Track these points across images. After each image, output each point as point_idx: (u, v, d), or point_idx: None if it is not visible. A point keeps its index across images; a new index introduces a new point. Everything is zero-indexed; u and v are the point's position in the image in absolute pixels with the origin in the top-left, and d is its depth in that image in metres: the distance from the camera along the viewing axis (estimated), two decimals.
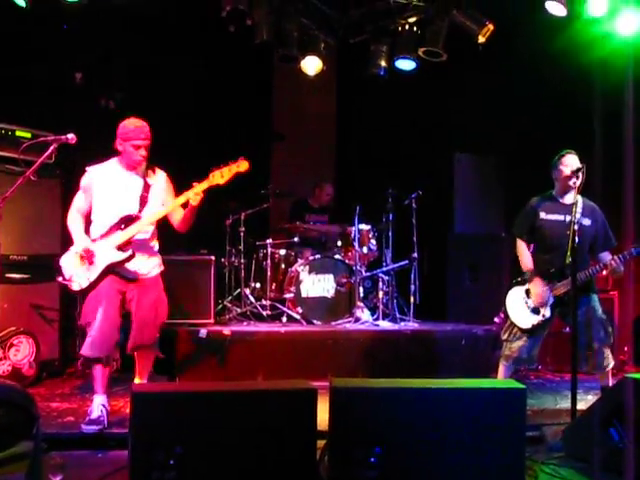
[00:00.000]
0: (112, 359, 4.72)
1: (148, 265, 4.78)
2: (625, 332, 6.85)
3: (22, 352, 5.51)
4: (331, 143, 9.39)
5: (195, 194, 4.57)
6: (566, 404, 4.76)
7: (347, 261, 7.10)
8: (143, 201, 4.69)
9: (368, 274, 7.29)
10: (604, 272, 5.02)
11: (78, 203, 4.80)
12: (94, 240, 4.63)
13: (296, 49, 7.23)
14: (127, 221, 4.62)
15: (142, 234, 4.71)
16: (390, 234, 7.32)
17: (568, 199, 5.02)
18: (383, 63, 7.27)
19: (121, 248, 4.58)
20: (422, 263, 7.35)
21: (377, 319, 6.98)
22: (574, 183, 4.75)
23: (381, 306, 7.05)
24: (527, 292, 5.04)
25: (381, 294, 7.11)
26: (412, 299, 7.11)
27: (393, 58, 7.19)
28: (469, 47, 6.69)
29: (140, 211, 4.67)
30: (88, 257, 4.57)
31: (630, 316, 6.93)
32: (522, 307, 5.04)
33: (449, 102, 8.02)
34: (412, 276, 7.13)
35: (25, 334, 5.56)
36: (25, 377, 5.50)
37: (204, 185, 4.62)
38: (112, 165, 4.79)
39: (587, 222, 4.96)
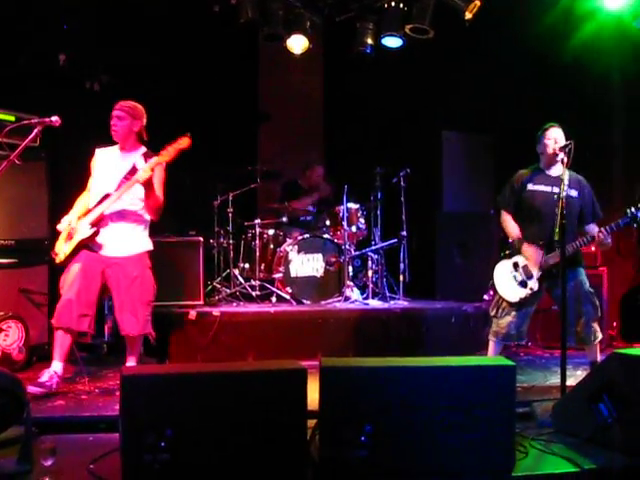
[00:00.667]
0: (75, 330, 4.79)
1: (128, 244, 4.88)
2: (614, 308, 6.90)
3: (11, 337, 5.48)
4: (318, 122, 9.35)
5: (143, 171, 4.62)
6: (556, 380, 4.79)
7: (336, 240, 7.10)
8: (123, 182, 4.79)
9: (357, 253, 7.30)
10: (592, 245, 5.04)
11: (89, 183, 5.03)
12: (79, 217, 4.84)
13: (281, 28, 7.19)
14: (103, 199, 4.80)
15: (121, 212, 4.84)
16: (379, 213, 7.33)
17: (554, 171, 5.05)
18: (370, 41, 7.23)
19: (93, 224, 4.77)
20: (411, 241, 7.36)
21: (367, 298, 6.99)
22: (561, 159, 4.74)
23: (370, 285, 7.06)
24: (515, 265, 5.05)
25: (370, 273, 7.12)
26: (401, 277, 7.13)
27: (380, 35, 7.14)
28: (456, 23, 6.66)
29: (116, 189, 4.78)
30: (70, 232, 4.82)
31: (618, 291, 6.98)
32: (510, 280, 5.05)
33: (437, 80, 7.99)
34: (401, 254, 7.14)
35: (14, 319, 5.53)
36: (15, 362, 5.47)
37: (152, 163, 4.69)
38: (113, 149, 5.02)
39: (574, 194, 4.98)
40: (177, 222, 7.36)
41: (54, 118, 4.46)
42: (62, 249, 4.83)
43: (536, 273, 4.95)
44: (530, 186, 5.09)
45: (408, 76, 8.05)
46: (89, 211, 4.83)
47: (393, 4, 6.95)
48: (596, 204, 5.08)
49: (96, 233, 4.78)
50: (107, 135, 4.93)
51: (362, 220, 7.29)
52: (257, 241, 7.13)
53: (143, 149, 4.99)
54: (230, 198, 7.29)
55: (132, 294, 4.81)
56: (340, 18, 7.50)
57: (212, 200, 7.37)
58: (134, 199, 4.84)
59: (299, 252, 6.95)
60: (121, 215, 4.85)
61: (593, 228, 4.99)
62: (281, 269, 6.89)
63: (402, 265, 7.13)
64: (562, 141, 4.91)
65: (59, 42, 6.86)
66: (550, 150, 4.97)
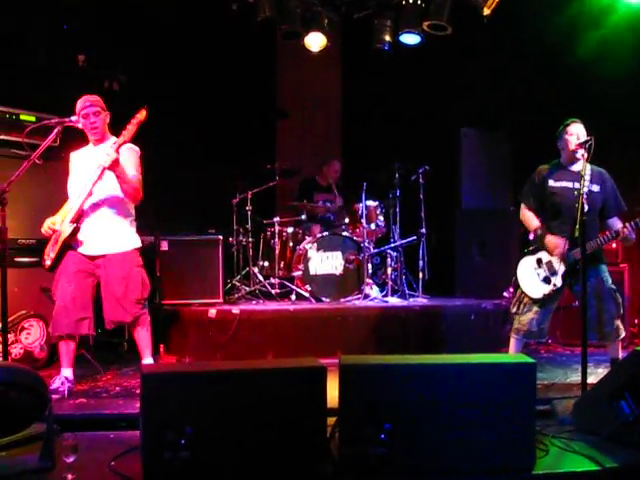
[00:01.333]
0: (76, 335, 4.78)
1: (113, 241, 4.84)
2: (635, 304, 6.84)
3: (33, 335, 5.54)
4: (337, 119, 9.35)
5: (106, 155, 4.55)
6: (576, 378, 4.76)
7: (355, 238, 7.09)
8: (100, 176, 4.71)
9: (376, 250, 7.29)
10: (616, 240, 4.97)
11: (68, 185, 4.99)
12: (63, 220, 4.80)
13: (299, 25, 7.19)
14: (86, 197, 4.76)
15: (102, 209, 4.80)
16: (398, 210, 7.30)
17: (576, 167, 4.98)
18: (387, 38, 7.23)
19: (73, 222, 4.74)
20: (430, 239, 7.33)
21: (386, 295, 6.98)
22: (582, 155, 4.70)
23: (390, 282, 7.05)
24: (538, 261, 5.02)
25: (389, 270, 7.11)
26: (421, 275, 7.10)
27: (397, 33, 7.13)
28: (475, 20, 6.63)
29: (93, 185, 4.72)
30: (55, 237, 4.79)
31: None
32: (533, 276, 5.02)
33: (455, 76, 7.95)
34: (420, 252, 7.12)
35: (35, 317, 5.59)
36: (37, 360, 5.53)
37: (114, 145, 4.62)
38: (86, 148, 4.96)
39: (596, 188, 4.92)
40: (196, 220, 7.41)
41: (74, 118, 4.50)
42: (48, 254, 4.82)
43: (560, 269, 4.92)
44: (551, 182, 5.05)
45: (426, 73, 8.03)
46: (70, 210, 4.78)
47: (411, 1, 6.94)
48: (619, 197, 5.01)
49: (76, 229, 4.73)
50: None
51: (381, 217, 7.28)
52: (276, 239, 7.13)
53: (114, 138, 4.85)
54: (249, 196, 7.30)
55: (117, 294, 4.77)
56: (358, 15, 7.49)
57: (231, 198, 7.38)
58: (112, 193, 4.78)
59: (318, 250, 6.95)
60: (101, 211, 4.80)
61: (616, 222, 4.93)
62: (300, 267, 6.90)
63: (421, 262, 7.11)
64: (583, 137, 4.86)
65: (78, 42, 6.89)
66: (572, 146, 4.92)
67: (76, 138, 5.54)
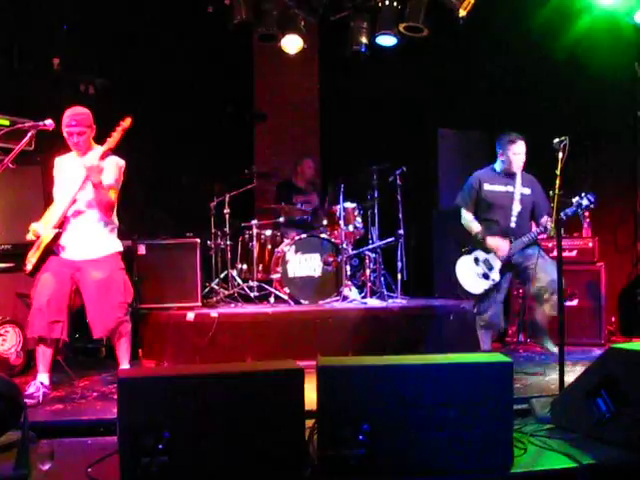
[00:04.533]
0: (49, 339, 4.74)
1: (94, 246, 4.86)
2: (612, 303, 6.90)
3: (9, 341, 5.48)
4: (314, 121, 9.34)
5: (88, 160, 4.61)
6: (554, 376, 4.78)
7: (333, 240, 7.08)
8: (82, 184, 4.74)
9: (355, 252, 7.28)
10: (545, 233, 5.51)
11: (53, 191, 5.02)
12: (45, 226, 4.82)
13: (276, 28, 7.17)
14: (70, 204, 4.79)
15: (85, 215, 4.83)
16: (376, 211, 7.32)
17: (509, 173, 5.61)
18: (364, 40, 7.23)
19: (56, 227, 4.77)
20: (408, 239, 7.35)
21: (365, 297, 6.98)
22: (518, 168, 5.50)
23: (369, 284, 7.05)
24: (475, 260, 5.54)
25: (368, 272, 7.12)
26: (399, 276, 7.12)
27: (374, 34, 7.14)
28: (450, 21, 6.66)
29: (76, 193, 4.76)
30: (38, 243, 4.80)
31: (617, 287, 6.99)
32: (472, 274, 5.56)
33: (432, 77, 7.99)
34: (399, 253, 7.13)
35: (11, 323, 5.53)
36: (13, 366, 5.47)
37: (98, 153, 4.68)
38: (71, 154, 4.97)
39: (527, 191, 5.56)
40: (174, 224, 7.37)
41: (48, 122, 4.46)
42: (30, 259, 4.82)
43: (497, 265, 5.46)
44: (486, 186, 5.60)
45: (403, 74, 8.06)
46: (54, 217, 4.81)
47: (387, 3, 6.96)
48: (547, 199, 5.25)
49: (59, 235, 4.75)
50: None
51: (359, 219, 7.28)
52: (254, 242, 7.12)
53: (99, 148, 4.85)
54: (227, 199, 7.27)
55: (100, 297, 4.76)
56: (334, 17, 7.49)
57: (209, 201, 7.35)
58: (92, 200, 4.80)
59: (296, 252, 6.94)
60: (83, 216, 4.83)
61: (547, 220, 5.41)
62: (279, 269, 6.88)
63: (400, 263, 7.12)
64: (523, 156, 5.51)
65: (53, 45, 6.84)
66: (515, 168, 5.53)
67: (51, 142, 5.52)
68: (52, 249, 4.79)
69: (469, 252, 5.65)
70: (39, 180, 5.99)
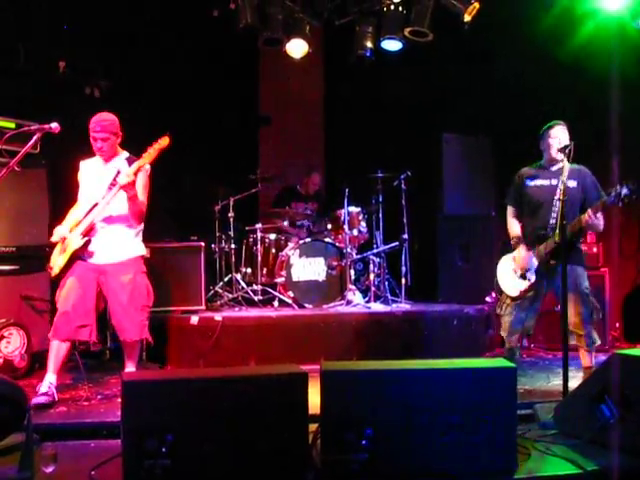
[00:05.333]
0: (76, 342, 4.86)
1: (119, 250, 4.90)
2: (616, 309, 6.88)
3: (13, 344, 5.48)
4: (319, 125, 9.35)
5: (126, 175, 4.64)
6: (558, 382, 4.78)
7: (337, 244, 7.09)
8: (109, 189, 4.80)
9: (359, 256, 7.29)
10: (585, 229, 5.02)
11: (78, 195, 5.04)
12: (71, 229, 4.84)
13: (281, 32, 7.17)
14: (92, 208, 4.82)
15: (110, 219, 4.86)
16: (380, 216, 7.32)
17: (555, 167, 5.10)
18: (369, 44, 7.23)
19: (85, 234, 4.79)
20: (413, 244, 7.35)
21: (369, 301, 6.98)
22: (562, 160, 4.76)
23: (372, 288, 7.05)
24: (514, 259, 5.13)
25: (372, 276, 7.11)
26: (403, 280, 7.12)
27: (379, 39, 7.15)
28: (455, 26, 6.66)
29: (103, 197, 4.80)
30: (63, 245, 4.83)
31: (621, 293, 6.97)
32: (510, 275, 5.15)
33: (437, 82, 7.98)
34: (403, 257, 7.13)
35: (16, 326, 5.53)
36: (17, 369, 5.47)
37: (134, 168, 4.71)
38: (96, 158, 5.00)
39: (573, 184, 4.99)
40: (178, 227, 7.37)
41: (53, 125, 4.47)
42: (56, 262, 4.85)
43: (533, 264, 5.02)
44: (529, 181, 5.18)
45: (408, 79, 8.05)
46: (80, 222, 4.84)
47: (392, 7, 6.96)
48: (601, 191, 5.03)
49: (88, 242, 4.79)
50: None
51: (363, 223, 7.28)
52: (259, 246, 7.12)
53: (125, 154, 5.00)
54: (231, 203, 7.28)
55: (125, 300, 4.82)
56: (339, 22, 7.49)
57: (213, 205, 7.36)
58: (122, 205, 4.84)
59: (301, 256, 6.95)
60: (110, 221, 4.87)
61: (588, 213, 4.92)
62: (283, 273, 6.89)
63: (404, 268, 7.12)
64: (565, 140, 4.94)
65: (59, 48, 6.86)
66: (553, 151, 5.03)
67: (56, 145, 5.54)
68: (80, 255, 4.82)
69: (511, 251, 5.23)
70: (44, 183, 6.00)
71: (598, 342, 5.02)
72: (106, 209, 4.81)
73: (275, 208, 7.70)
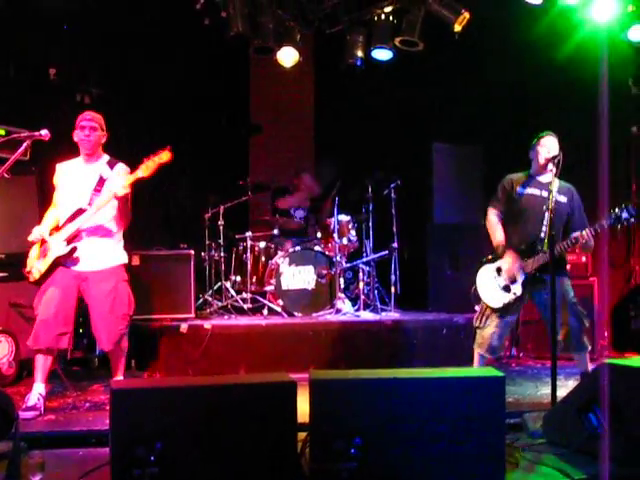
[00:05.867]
0: (55, 350, 4.76)
1: (102, 257, 4.85)
2: (605, 318, 6.91)
3: (1, 351, 5.46)
4: (309, 134, 9.36)
5: (122, 187, 4.61)
6: (547, 390, 4.78)
7: (327, 252, 7.09)
8: (94, 195, 4.77)
9: (348, 265, 7.30)
10: (576, 247, 4.95)
11: (54, 198, 4.97)
12: (51, 233, 4.78)
13: (272, 40, 7.19)
14: (76, 214, 4.75)
15: (95, 226, 4.81)
16: (370, 224, 7.32)
17: (544, 179, 5.03)
18: (360, 53, 7.26)
19: (69, 241, 4.73)
20: (402, 253, 7.36)
21: (358, 310, 6.98)
22: (551, 170, 4.77)
23: (362, 297, 7.05)
24: (498, 270, 5.03)
25: (362, 285, 7.11)
26: (393, 289, 7.12)
27: (369, 48, 7.18)
28: (445, 36, 6.70)
29: (89, 203, 4.76)
30: (43, 250, 4.77)
31: (609, 302, 7.00)
32: (493, 286, 5.03)
33: (427, 92, 8.03)
34: (392, 266, 7.14)
35: (4, 333, 5.51)
36: (5, 376, 5.45)
37: (130, 179, 4.68)
38: (76, 161, 4.97)
39: (563, 199, 5.00)
40: (168, 235, 7.37)
41: (43, 132, 4.46)
42: (36, 266, 4.77)
43: (520, 278, 4.93)
44: (519, 189, 5.11)
45: (398, 88, 8.09)
46: (61, 227, 4.78)
47: (383, 17, 6.99)
48: (583, 214, 5.08)
49: (73, 250, 4.72)
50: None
51: (353, 232, 7.28)
52: (248, 254, 7.11)
53: (106, 157, 4.96)
54: (221, 211, 7.28)
55: (107, 309, 4.77)
56: (330, 31, 7.52)
57: (203, 213, 7.36)
58: (106, 212, 4.81)
59: (290, 264, 6.94)
60: (94, 229, 4.82)
61: (578, 234, 4.91)
62: (272, 282, 6.88)
63: (393, 277, 7.13)
64: (555, 150, 4.93)
65: (50, 55, 6.85)
66: (542, 159, 5.00)
67: (46, 152, 5.52)
68: (63, 262, 4.75)
69: (492, 261, 5.09)
70: (34, 190, 5.99)
71: (589, 347, 5.00)
72: (96, 217, 4.76)
73: (268, 216, 7.67)
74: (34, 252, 4.81)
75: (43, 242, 4.78)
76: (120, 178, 4.72)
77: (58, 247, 4.72)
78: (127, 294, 4.92)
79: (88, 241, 4.80)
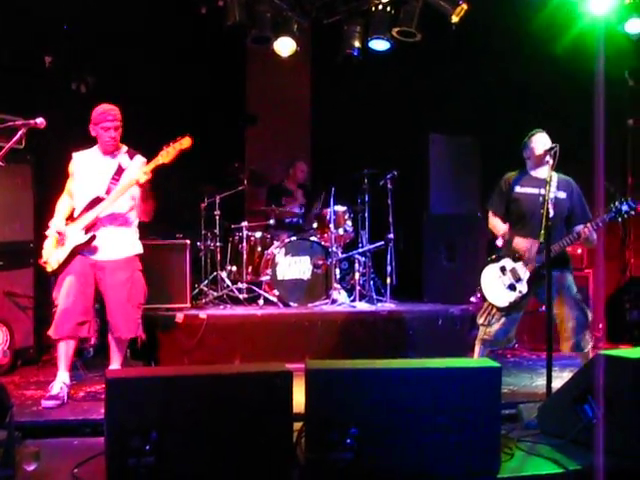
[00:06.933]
0: (78, 338, 4.81)
1: (118, 247, 4.87)
2: (599, 309, 6.92)
3: None
4: (306, 124, 9.35)
5: (144, 173, 4.62)
6: (542, 382, 4.81)
7: (323, 243, 7.08)
8: (112, 184, 4.78)
9: (344, 255, 7.29)
10: (578, 242, 4.98)
11: (68, 186, 4.97)
12: (67, 223, 4.78)
13: (269, 30, 7.16)
14: (94, 203, 4.75)
15: (112, 215, 4.81)
16: (366, 215, 7.32)
17: (541, 174, 4.99)
18: (357, 44, 7.25)
19: (87, 230, 4.72)
20: (398, 244, 7.35)
21: (354, 300, 6.97)
22: (547, 162, 4.75)
23: (358, 287, 7.04)
24: (502, 269, 5.01)
25: (357, 275, 7.10)
26: (388, 280, 7.11)
27: (367, 38, 7.15)
28: (443, 27, 6.68)
29: (107, 193, 4.76)
30: (60, 239, 4.75)
31: (604, 294, 7.01)
32: (498, 285, 5.00)
33: (424, 83, 8.01)
34: (388, 257, 7.13)
35: None
36: None
37: (151, 165, 4.68)
38: (93, 151, 4.96)
39: (562, 195, 4.96)
40: (164, 225, 7.33)
41: (39, 120, 4.43)
42: (53, 256, 4.76)
43: (525, 275, 4.92)
44: (517, 188, 5.08)
45: (395, 78, 8.08)
46: (77, 216, 4.78)
47: (380, 7, 6.97)
48: (585, 206, 5.05)
49: (92, 238, 4.72)
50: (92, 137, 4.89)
51: (349, 222, 7.27)
52: (244, 244, 7.10)
53: (125, 147, 4.97)
54: (217, 200, 7.27)
55: (124, 298, 4.79)
56: (327, 21, 7.50)
57: (199, 202, 7.34)
58: (123, 201, 4.82)
59: (286, 255, 6.94)
60: (112, 218, 4.82)
61: (582, 228, 4.92)
62: (268, 272, 6.87)
63: (389, 267, 7.13)
64: (548, 145, 4.91)
65: (45, 43, 6.81)
66: (538, 151, 4.97)
67: (42, 140, 5.49)
68: (81, 251, 4.76)
69: (496, 260, 5.06)
70: (29, 179, 5.97)
71: (589, 347, 4.95)
72: (114, 206, 4.76)
73: (264, 207, 7.67)
74: (49, 242, 4.80)
75: (59, 233, 4.76)
76: (140, 167, 4.72)
77: (76, 236, 4.72)
78: (142, 284, 4.96)
79: (106, 230, 4.81)
